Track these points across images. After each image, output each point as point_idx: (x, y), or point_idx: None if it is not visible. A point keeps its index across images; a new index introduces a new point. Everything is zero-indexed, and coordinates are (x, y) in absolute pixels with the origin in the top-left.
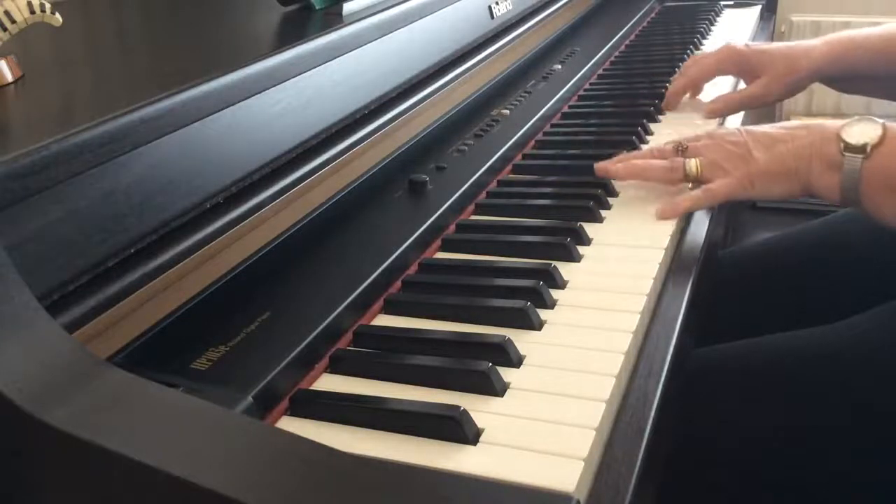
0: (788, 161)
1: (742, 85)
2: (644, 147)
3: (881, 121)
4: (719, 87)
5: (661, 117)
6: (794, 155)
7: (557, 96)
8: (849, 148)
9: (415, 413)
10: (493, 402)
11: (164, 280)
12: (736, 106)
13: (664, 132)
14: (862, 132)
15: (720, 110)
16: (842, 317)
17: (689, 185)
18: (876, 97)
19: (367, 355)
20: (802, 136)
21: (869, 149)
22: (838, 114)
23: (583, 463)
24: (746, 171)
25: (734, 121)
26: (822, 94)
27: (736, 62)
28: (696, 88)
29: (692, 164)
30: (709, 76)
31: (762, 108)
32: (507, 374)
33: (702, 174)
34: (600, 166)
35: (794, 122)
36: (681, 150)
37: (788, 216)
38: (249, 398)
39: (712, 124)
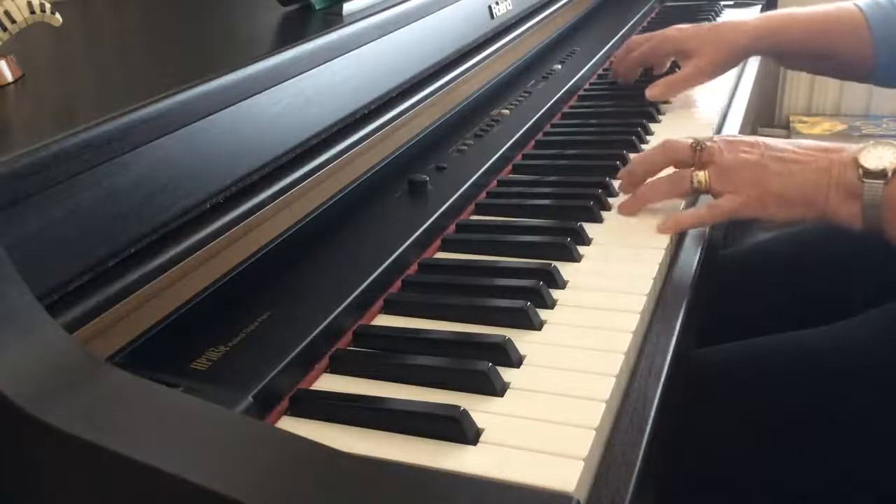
0: (806, 187)
1: None
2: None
3: None
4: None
5: (661, 117)
6: (812, 181)
7: (557, 96)
8: (868, 174)
9: (415, 413)
10: (493, 402)
11: (164, 280)
12: (676, 87)
13: (664, 132)
14: (881, 157)
15: (661, 94)
16: (842, 317)
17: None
18: (823, 75)
19: (367, 355)
20: (821, 160)
21: (890, 174)
22: (838, 114)
23: (583, 463)
24: (759, 192)
25: (733, 126)
26: (821, 93)
27: (668, 46)
28: (635, 69)
29: (700, 176)
30: (644, 62)
31: (761, 109)
32: (507, 374)
33: (710, 185)
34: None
35: (811, 143)
36: (699, 148)
37: None
38: (249, 398)
39: (712, 125)
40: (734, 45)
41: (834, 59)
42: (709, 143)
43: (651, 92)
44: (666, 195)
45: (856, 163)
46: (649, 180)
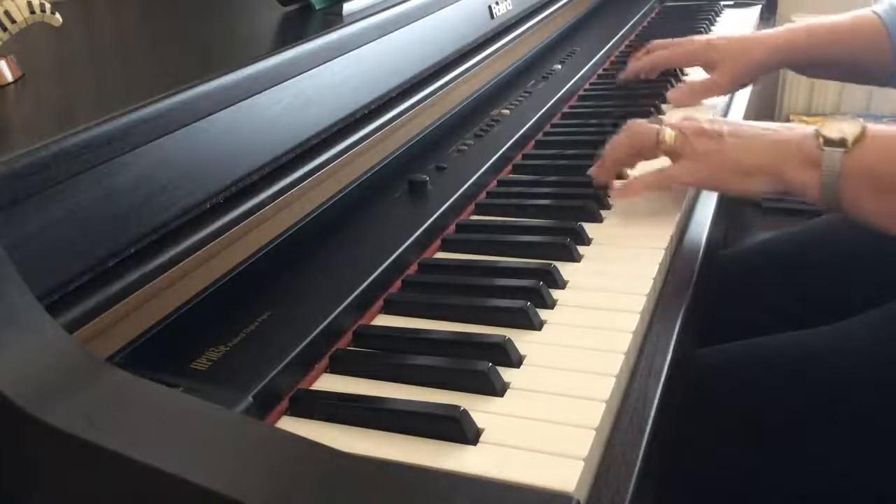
0: (764, 156)
1: None
2: None
3: (860, 120)
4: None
5: (661, 117)
6: (771, 149)
7: (557, 96)
8: (828, 142)
9: (415, 413)
10: (493, 402)
11: (164, 280)
12: (697, 95)
13: None
14: (841, 128)
15: (682, 99)
16: (842, 317)
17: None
18: (841, 81)
19: (367, 355)
20: (780, 132)
21: (850, 143)
22: (838, 113)
23: (583, 463)
24: (715, 162)
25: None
26: (821, 93)
27: (692, 55)
28: (651, 73)
29: (668, 133)
30: (666, 66)
31: (761, 109)
32: (507, 374)
33: (677, 146)
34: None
35: (773, 123)
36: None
37: (788, 216)
38: (249, 398)
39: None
40: (756, 60)
41: (855, 66)
42: (668, 124)
43: (674, 95)
44: (628, 147)
45: (817, 133)
46: (614, 154)
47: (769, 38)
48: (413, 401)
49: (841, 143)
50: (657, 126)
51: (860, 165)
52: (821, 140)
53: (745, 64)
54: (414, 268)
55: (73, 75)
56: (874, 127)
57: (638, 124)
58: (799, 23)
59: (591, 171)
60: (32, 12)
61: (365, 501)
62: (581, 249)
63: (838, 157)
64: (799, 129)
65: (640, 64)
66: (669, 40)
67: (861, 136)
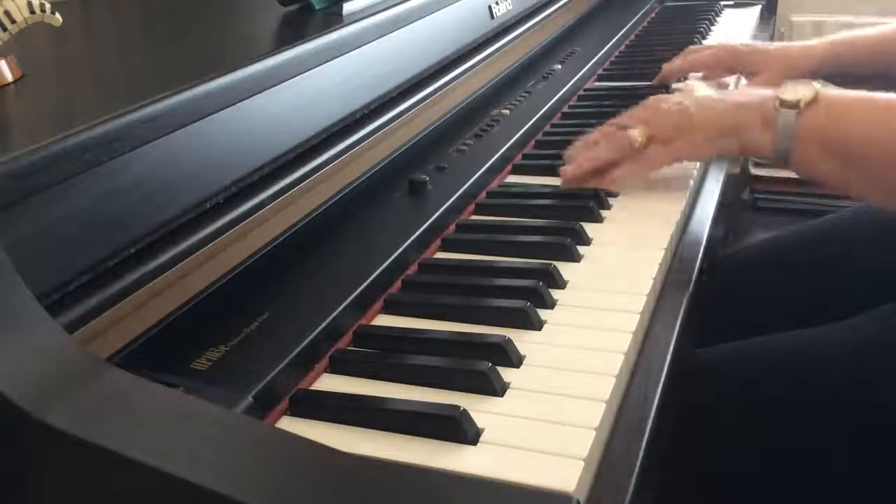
0: (729, 116)
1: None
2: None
3: (817, 83)
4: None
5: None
6: (734, 111)
7: (557, 96)
8: (784, 104)
9: (415, 413)
10: (493, 402)
11: (164, 280)
12: None
13: None
14: (796, 90)
15: None
16: (842, 317)
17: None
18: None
19: (367, 355)
20: (743, 95)
21: (802, 105)
22: None
23: (583, 463)
24: (690, 137)
25: None
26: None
27: (731, 59)
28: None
29: (635, 133)
30: (702, 68)
31: None
32: (507, 374)
33: (650, 137)
34: (564, 177)
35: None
36: (621, 128)
37: (788, 216)
38: (249, 398)
39: None
40: (802, 68)
41: (893, 77)
42: (630, 117)
43: None
44: (608, 157)
45: (775, 95)
46: (587, 151)
47: (812, 48)
48: (413, 401)
49: (795, 104)
50: (626, 134)
51: (812, 128)
52: (777, 102)
53: (795, 72)
54: (414, 268)
55: (73, 75)
56: (829, 91)
57: (612, 134)
58: (840, 35)
59: (566, 175)
60: (32, 12)
61: (365, 501)
62: (581, 249)
63: (792, 119)
64: (761, 91)
65: (675, 65)
66: (704, 45)
67: (814, 100)
